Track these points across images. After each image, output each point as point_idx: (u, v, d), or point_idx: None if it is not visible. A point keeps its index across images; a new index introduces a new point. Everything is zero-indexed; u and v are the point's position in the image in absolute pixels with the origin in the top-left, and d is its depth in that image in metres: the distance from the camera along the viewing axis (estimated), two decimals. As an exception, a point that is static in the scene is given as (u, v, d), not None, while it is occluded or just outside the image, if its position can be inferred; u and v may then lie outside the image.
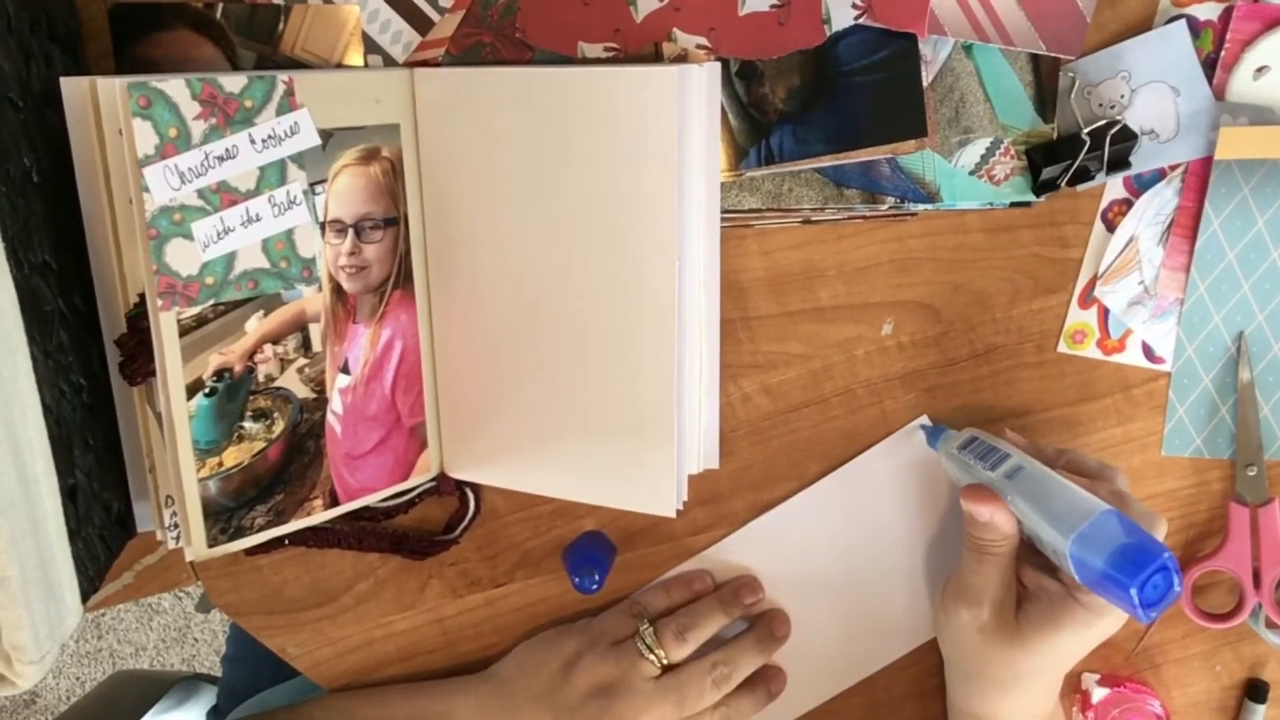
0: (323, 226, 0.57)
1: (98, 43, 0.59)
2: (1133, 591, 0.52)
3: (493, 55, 0.60)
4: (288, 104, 0.54)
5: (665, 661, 0.65)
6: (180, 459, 0.54)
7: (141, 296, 0.54)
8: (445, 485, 0.66)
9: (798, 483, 0.68)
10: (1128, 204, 0.63)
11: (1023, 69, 0.61)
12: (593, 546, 0.67)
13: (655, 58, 0.59)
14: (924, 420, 0.67)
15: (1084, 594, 0.57)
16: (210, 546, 0.57)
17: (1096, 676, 0.70)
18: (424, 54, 0.60)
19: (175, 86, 0.50)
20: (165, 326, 0.52)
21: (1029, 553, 0.60)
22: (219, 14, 0.58)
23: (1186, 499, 0.68)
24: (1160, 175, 0.63)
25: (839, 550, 0.68)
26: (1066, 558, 0.55)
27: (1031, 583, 0.60)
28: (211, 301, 0.53)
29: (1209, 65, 0.61)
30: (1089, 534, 0.54)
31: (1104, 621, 0.58)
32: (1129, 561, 0.53)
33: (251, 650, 0.89)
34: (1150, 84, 0.61)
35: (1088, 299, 0.65)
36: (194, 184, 0.52)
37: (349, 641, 0.69)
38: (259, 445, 0.57)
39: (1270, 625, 0.67)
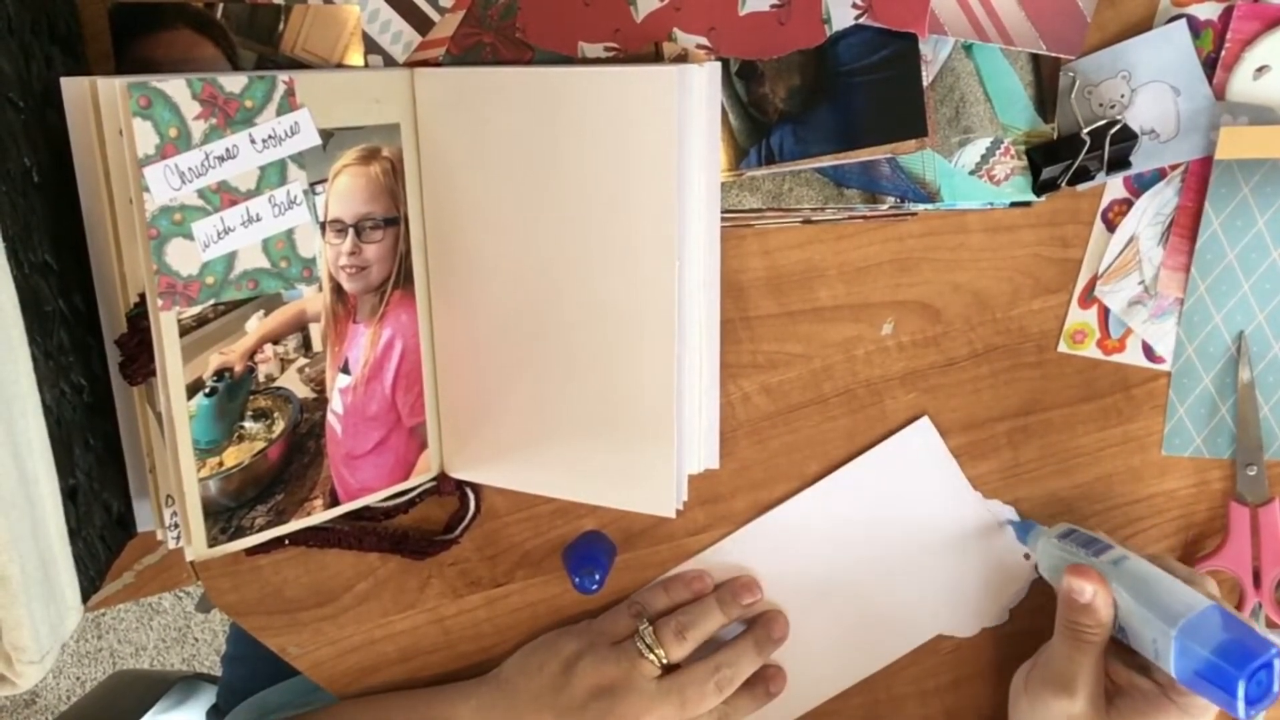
0: (323, 226, 0.57)
1: (98, 43, 0.59)
2: (1240, 684, 0.52)
3: (493, 55, 0.60)
4: (288, 104, 0.54)
5: (665, 661, 0.65)
6: (180, 459, 0.54)
7: (142, 296, 0.54)
8: (445, 485, 0.66)
9: (798, 483, 0.68)
10: (1128, 204, 0.63)
11: (1023, 69, 0.61)
12: (593, 546, 0.67)
13: (655, 58, 0.59)
14: (1011, 515, 0.67)
15: (1178, 694, 0.57)
16: (210, 546, 0.57)
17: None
18: (424, 54, 0.60)
19: (175, 86, 0.50)
20: (165, 326, 0.52)
21: (1120, 650, 0.60)
22: (219, 14, 0.58)
23: (1186, 499, 0.68)
24: (1160, 175, 0.63)
25: (838, 550, 0.68)
26: (1169, 648, 0.55)
27: (1123, 680, 0.60)
28: (212, 301, 0.53)
29: (1209, 65, 0.61)
30: (1195, 624, 0.55)
31: None
32: (1237, 654, 0.53)
33: (251, 650, 0.89)
34: (1150, 84, 0.61)
35: (1088, 299, 0.65)
36: (194, 184, 0.52)
37: (349, 641, 0.69)
38: (259, 445, 0.57)
39: (1270, 625, 0.67)
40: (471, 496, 0.67)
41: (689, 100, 0.56)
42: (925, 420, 0.66)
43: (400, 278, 0.61)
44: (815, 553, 0.68)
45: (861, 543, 0.68)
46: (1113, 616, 0.59)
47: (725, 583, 0.68)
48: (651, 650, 0.65)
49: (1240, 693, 0.52)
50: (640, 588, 0.69)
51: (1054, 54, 0.60)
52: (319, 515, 0.61)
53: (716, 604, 0.67)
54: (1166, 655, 0.56)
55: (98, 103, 0.51)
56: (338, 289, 0.58)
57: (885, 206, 0.62)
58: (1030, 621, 0.70)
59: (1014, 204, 0.63)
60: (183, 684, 0.98)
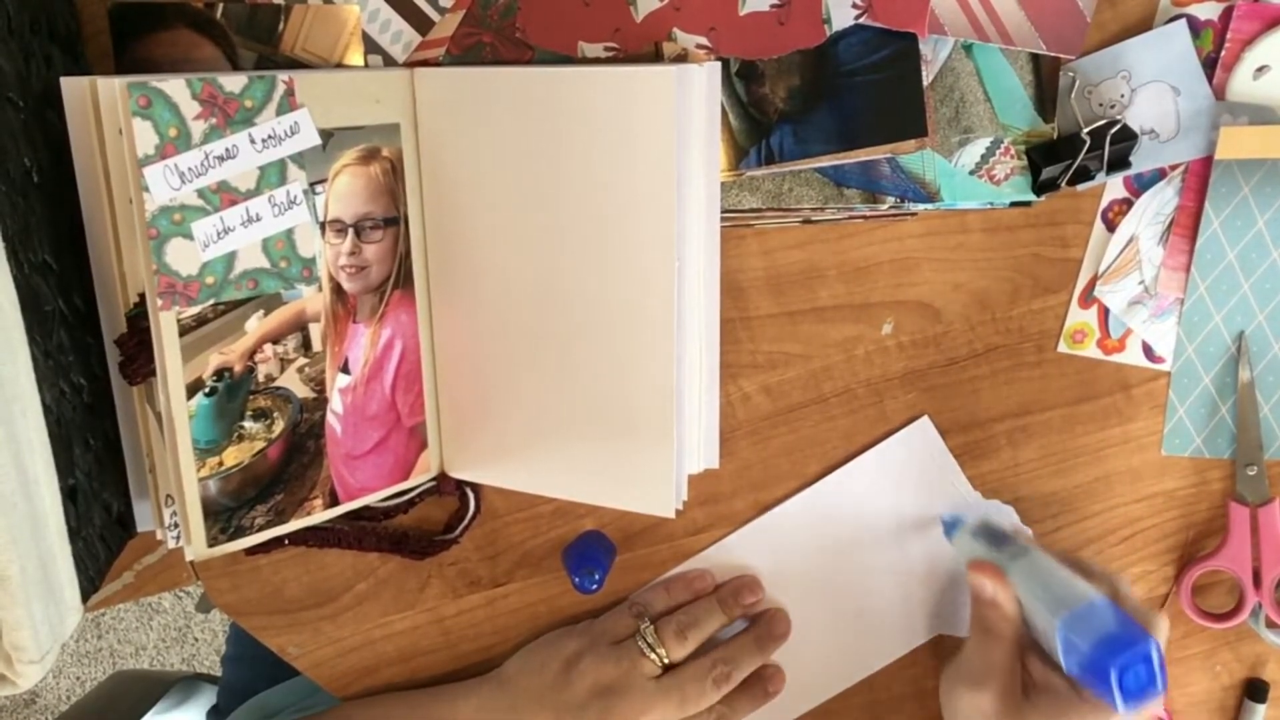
0: (323, 226, 0.57)
1: (98, 43, 0.59)
2: (1113, 675, 0.52)
3: (493, 55, 0.60)
4: (288, 104, 0.54)
5: (667, 660, 0.65)
6: (180, 459, 0.54)
7: (141, 296, 0.54)
8: (445, 485, 0.66)
9: (798, 483, 0.68)
10: (1128, 204, 0.63)
11: (1023, 69, 0.61)
12: (593, 546, 0.67)
13: (655, 57, 0.59)
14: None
15: (1090, 693, 0.56)
16: (210, 546, 0.57)
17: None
18: (424, 54, 0.60)
19: (175, 86, 0.50)
20: (165, 326, 0.52)
21: (1038, 646, 0.60)
22: (219, 14, 0.58)
23: (1186, 499, 0.68)
24: (1160, 175, 0.63)
25: (838, 550, 0.68)
26: (1056, 639, 0.55)
27: (1040, 676, 0.59)
28: (211, 301, 0.53)
29: (1209, 65, 0.61)
30: (1080, 616, 0.55)
31: None
32: (1113, 647, 0.53)
33: (251, 650, 0.89)
34: (1150, 84, 0.61)
35: (1088, 299, 0.65)
36: (194, 184, 0.52)
37: (349, 641, 0.69)
38: (259, 445, 0.57)
39: (1270, 625, 0.67)
40: (471, 496, 0.67)
41: (689, 100, 0.56)
42: (925, 420, 0.66)
43: (400, 278, 0.61)
44: (815, 552, 0.68)
45: (861, 542, 0.68)
46: (1017, 609, 0.59)
47: (727, 582, 0.68)
48: (653, 650, 0.65)
49: (1114, 684, 0.52)
50: (640, 588, 0.69)
51: (1054, 54, 0.60)
52: (319, 515, 0.61)
53: (718, 604, 0.67)
54: (1055, 648, 0.55)
55: (97, 102, 0.51)
56: (337, 289, 0.58)
57: (885, 206, 0.62)
58: (1030, 621, 0.70)
59: (1014, 204, 0.63)
60: (183, 684, 0.98)
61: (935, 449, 0.67)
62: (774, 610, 0.69)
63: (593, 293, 0.59)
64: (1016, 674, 0.60)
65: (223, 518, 0.57)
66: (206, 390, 0.54)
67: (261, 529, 0.59)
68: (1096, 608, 0.55)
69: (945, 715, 0.64)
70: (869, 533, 0.68)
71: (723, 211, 0.60)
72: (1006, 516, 0.68)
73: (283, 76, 0.54)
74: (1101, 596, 0.56)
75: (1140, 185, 0.63)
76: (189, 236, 0.52)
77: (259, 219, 0.54)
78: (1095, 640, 0.53)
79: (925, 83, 0.59)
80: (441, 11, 0.59)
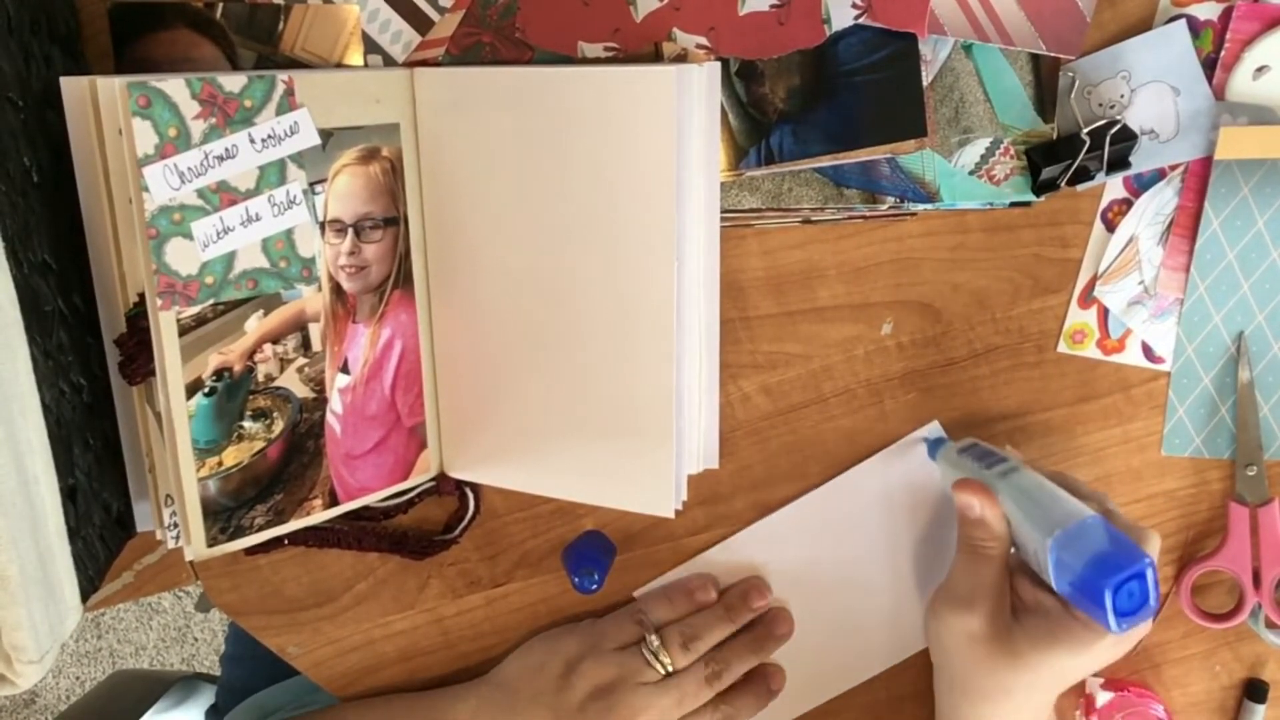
0: (322, 226, 0.57)
1: (97, 42, 0.59)
2: (1107, 594, 0.51)
3: (492, 55, 0.60)
4: (287, 104, 0.54)
5: (671, 669, 0.65)
6: (180, 458, 0.54)
7: (141, 296, 0.54)
8: (445, 485, 0.66)
9: (798, 483, 0.68)
10: (1127, 204, 0.63)
11: (1023, 69, 0.61)
12: (592, 546, 0.67)
13: (655, 57, 0.59)
14: (927, 433, 0.66)
15: (1082, 612, 0.56)
16: (210, 546, 0.57)
17: (1100, 680, 0.70)
18: (424, 54, 0.60)
19: (175, 86, 0.50)
20: (165, 326, 0.52)
21: (1027, 566, 0.60)
22: (219, 14, 0.58)
23: (1186, 499, 0.68)
24: (1160, 175, 0.63)
25: (844, 550, 0.68)
26: (1047, 559, 0.54)
27: (1029, 597, 0.59)
28: (211, 301, 0.53)
29: (1209, 65, 0.61)
30: (1073, 534, 0.54)
31: (1102, 643, 0.56)
32: (1107, 565, 0.52)
33: (251, 650, 0.89)
34: (1150, 84, 0.61)
35: (1087, 299, 0.65)
36: (194, 183, 0.52)
37: (349, 641, 0.69)
38: (258, 445, 0.57)
39: (1270, 625, 0.67)
40: (471, 496, 0.67)
41: (688, 100, 0.56)
42: (935, 424, 0.66)
43: (400, 278, 0.61)
44: (819, 553, 0.68)
45: (866, 543, 0.68)
46: (1005, 528, 0.58)
47: (733, 586, 0.68)
48: (657, 658, 0.65)
49: (1108, 603, 0.51)
50: (642, 587, 0.69)
51: (1054, 54, 0.60)
52: (318, 515, 0.61)
53: (724, 611, 0.67)
54: (1046, 567, 0.54)
55: (97, 102, 0.51)
56: (337, 289, 0.58)
57: (885, 206, 0.62)
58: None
59: (1014, 204, 0.63)
60: (182, 684, 0.98)
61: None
62: (776, 610, 0.68)
63: (593, 292, 0.59)
64: (1005, 595, 0.59)
65: (222, 518, 0.57)
66: (206, 390, 0.54)
67: (261, 529, 0.59)
68: (1088, 526, 0.54)
69: (930, 642, 0.63)
70: (874, 535, 0.68)
71: (722, 211, 0.60)
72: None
73: (282, 76, 0.54)
74: (1094, 514, 0.55)
75: (1140, 185, 0.63)
76: (189, 236, 0.52)
77: (259, 219, 0.54)
78: (1089, 559, 0.52)
79: (925, 83, 0.59)
80: (441, 11, 0.59)
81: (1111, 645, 0.56)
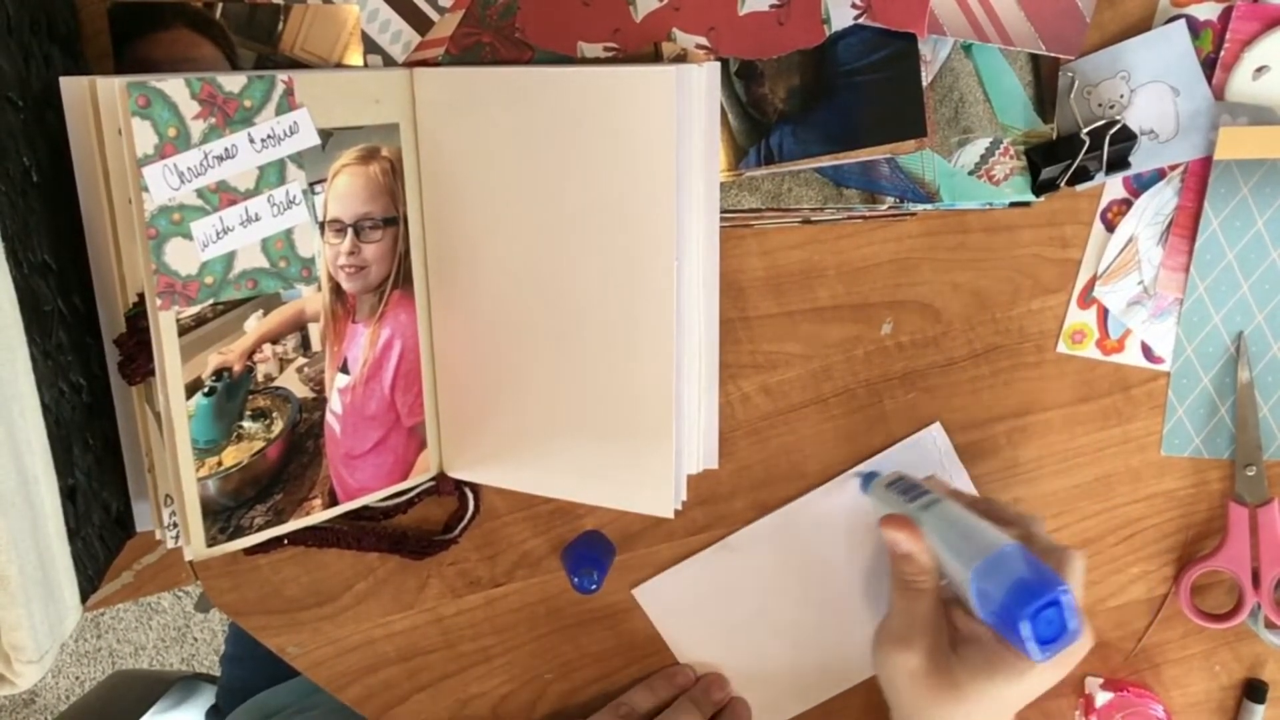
0: (322, 226, 0.57)
1: (97, 42, 0.59)
2: (1023, 623, 0.51)
3: (492, 55, 0.60)
4: (287, 104, 0.54)
5: None
6: (179, 458, 0.54)
7: (141, 296, 0.54)
8: (444, 485, 0.66)
9: (797, 483, 0.68)
10: (1127, 204, 0.63)
11: (1022, 69, 0.60)
12: (592, 546, 0.67)
13: (655, 58, 0.59)
14: (859, 469, 0.67)
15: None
16: (209, 546, 0.57)
17: (1099, 680, 0.70)
18: (424, 54, 0.60)
19: (174, 86, 0.50)
20: (164, 326, 0.52)
21: (960, 598, 0.59)
22: (219, 14, 0.58)
23: (1186, 499, 0.68)
24: (1160, 175, 0.63)
25: (844, 551, 0.68)
26: (970, 590, 0.54)
27: (965, 628, 0.58)
28: (210, 301, 0.53)
29: (1208, 65, 0.61)
30: (991, 564, 0.53)
31: (1035, 671, 0.55)
32: (1023, 594, 0.51)
33: (251, 650, 0.89)
34: (1150, 84, 0.61)
35: (1087, 299, 0.65)
36: (193, 183, 0.52)
37: (348, 641, 0.69)
38: (258, 445, 0.57)
39: (1269, 625, 0.67)
40: (471, 496, 0.67)
41: (688, 100, 0.56)
42: (937, 426, 0.66)
43: (399, 277, 0.61)
44: (818, 553, 0.68)
45: (865, 545, 0.68)
46: (933, 561, 0.58)
47: (699, 680, 0.70)
48: None
49: (1026, 632, 0.51)
50: (630, 688, 0.70)
51: (1053, 54, 0.60)
52: (318, 515, 0.61)
53: (691, 704, 0.68)
54: (970, 598, 0.54)
55: (97, 102, 0.51)
56: (337, 289, 0.58)
57: (885, 206, 0.62)
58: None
59: (1013, 204, 0.63)
60: (182, 684, 0.98)
61: (946, 456, 0.67)
62: (713, 675, 0.70)
63: (592, 292, 0.59)
64: (942, 628, 0.58)
65: (222, 518, 0.57)
66: (206, 390, 0.54)
67: (261, 529, 0.59)
68: (1005, 555, 0.53)
69: (881, 682, 0.63)
70: (873, 536, 0.68)
71: (722, 211, 0.60)
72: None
73: (282, 76, 0.54)
74: (1012, 542, 0.54)
75: (1139, 185, 0.63)
76: (188, 236, 0.52)
77: (258, 219, 0.54)
78: (1007, 588, 0.52)
79: (925, 83, 0.59)
80: (441, 11, 0.59)
81: (1046, 671, 0.56)
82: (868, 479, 0.66)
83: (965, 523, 0.57)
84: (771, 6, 0.58)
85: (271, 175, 0.54)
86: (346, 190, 0.57)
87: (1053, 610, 0.51)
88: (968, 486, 0.67)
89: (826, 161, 0.60)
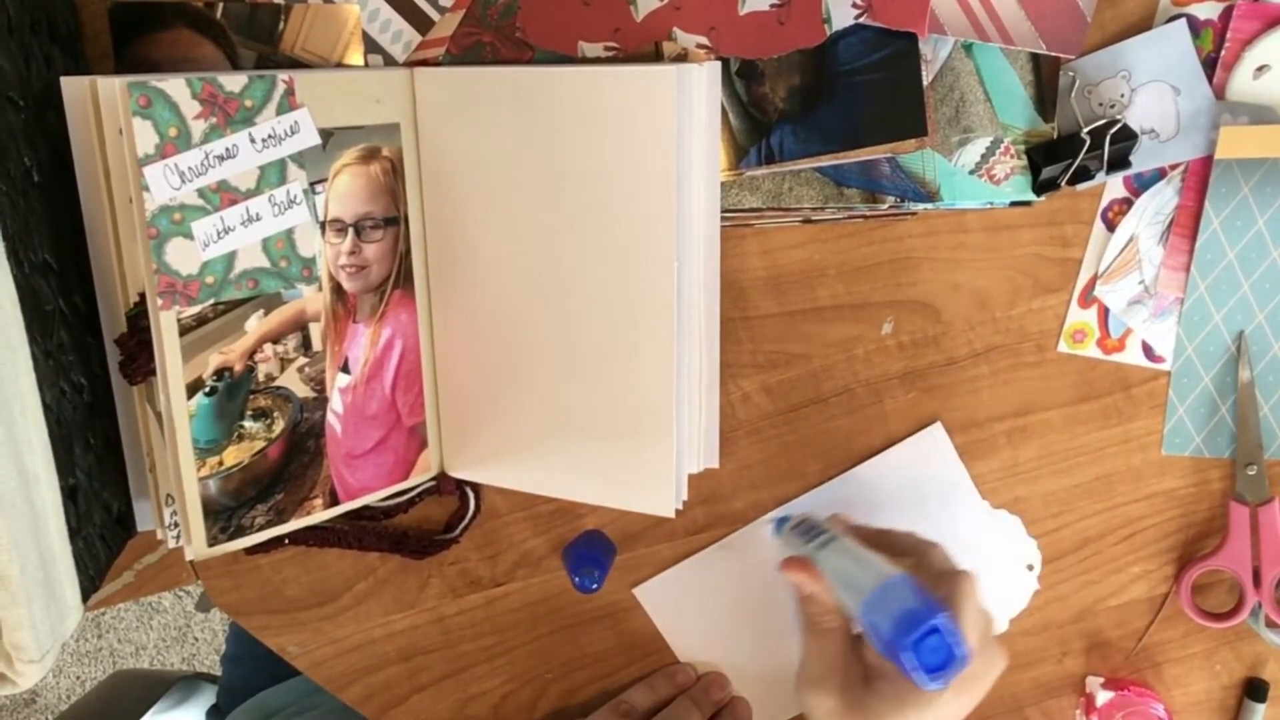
0: (323, 226, 0.57)
1: (98, 43, 0.59)
2: (906, 654, 0.50)
3: (493, 55, 0.60)
4: (288, 103, 0.54)
5: None
6: (180, 458, 0.54)
7: (141, 296, 0.54)
8: (445, 485, 0.66)
9: (798, 482, 0.68)
10: (1128, 203, 0.63)
11: (1023, 68, 0.61)
12: (593, 546, 0.67)
13: (655, 57, 0.59)
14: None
15: None
16: (210, 546, 0.57)
17: (1100, 679, 0.70)
18: (424, 53, 0.60)
19: (175, 86, 0.50)
20: (165, 326, 0.52)
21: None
22: (219, 13, 0.59)
23: (1186, 498, 0.68)
24: (1160, 174, 0.63)
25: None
26: (864, 625, 0.54)
27: (874, 662, 0.58)
28: (211, 301, 0.53)
29: (1209, 64, 0.61)
30: (879, 597, 0.53)
31: (942, 699, 0.54)
32: (905, 624, 0.51)
33: (251, 650, 0.89)
34: (1150, 83, 0.61)
35: (1088, 298, 0.65)
36: (194, 183, 0.52)
37: (349, 641, 0.69)
38: (259, 444, 0.57)
39: (1270, 624, 0.67)
40: (471, 496, 0.67)
41: (689, 100, 0.56)
42: (938, 426, 0.66)
43: (400, 277, 0.61)
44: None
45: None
46: (834, 601, 0.58)
47: (699, 679, 0.70)
48: None
49: (910, 664, 0.50)
50: (630, 686, 0.70)
51: (1054, 53, 0.60)
52: (319, 515, 0.61)
53: (691, 703, 0.68)
54: (866, 633, 0.54)
55: (98, 102, 0.51)
56: (337, 288, 0.58)
57: (885, 206, 0.62)
58: (1029, 627, 0.70)
59: (1014, 203, 0.63)
60: (183, 684, 0.98)
61: (947, 456, 0.67)
62: (714, 674, 0.70)
63: (593, 292, 0.59)
64: (853, 666, 0.58)
65: (223, 517, 0.57)
66: (206, 390, 0.54)
67: (261, 529, 0.59)
68: (891, 586, 0.53)
69: None
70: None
71: (723, 211, 0.60)
72: (1012, 526, 0.67)
73: (283, 76, 0.54)
74: (899, 573, 0.54)
75: (1140, 185, 0.63)
76: (189, 236, 0.52)
77: (259, 218, 0.54)
78: (893, 620, 0.52)
79: (925, 82, 0.59)
80: (441, 11, 0.59)
81: (954, 700, 0.55)
82: (779, 524, 0.66)
83: (857, 557, 0.57)
84: (772, 6, 0.58)
85: (272, 175, 0.54)
86: (347, 190, 0.57)
87: (935, 638, 0.51)
88: (968, 486, 0.67)
89: (827, 161, 0.60)
